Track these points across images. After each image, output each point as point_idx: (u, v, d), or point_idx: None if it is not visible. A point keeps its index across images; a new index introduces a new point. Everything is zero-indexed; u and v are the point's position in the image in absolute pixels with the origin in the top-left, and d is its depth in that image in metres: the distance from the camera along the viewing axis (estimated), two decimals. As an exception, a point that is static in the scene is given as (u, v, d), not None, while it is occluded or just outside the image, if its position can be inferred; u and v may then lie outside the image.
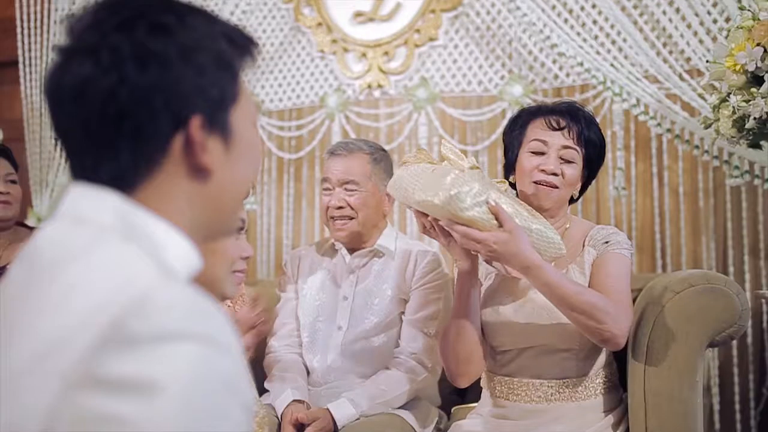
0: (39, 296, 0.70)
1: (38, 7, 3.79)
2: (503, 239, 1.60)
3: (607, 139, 2.14)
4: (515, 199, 1.76)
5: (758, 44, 1.95)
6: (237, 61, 0.84)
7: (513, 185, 1.90)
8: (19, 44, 3.79)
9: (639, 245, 3.05)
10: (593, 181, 1.99)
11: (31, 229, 2.24)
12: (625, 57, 2.92)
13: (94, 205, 0.77)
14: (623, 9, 2.92)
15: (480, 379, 1.97)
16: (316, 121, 3.46)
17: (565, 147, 1.83)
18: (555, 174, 1.82)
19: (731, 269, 2.89)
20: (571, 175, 1.84)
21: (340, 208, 2.15)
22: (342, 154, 2.19)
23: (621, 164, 2.99)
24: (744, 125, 2.03)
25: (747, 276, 2.88)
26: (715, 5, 2.77)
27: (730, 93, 2.05)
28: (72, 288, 0.69)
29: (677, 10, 2.84)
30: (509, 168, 1.92)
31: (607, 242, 1.82)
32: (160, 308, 0.66)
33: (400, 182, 1.77)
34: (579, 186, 1.90)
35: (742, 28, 2.01)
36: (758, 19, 1.99)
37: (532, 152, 1.85)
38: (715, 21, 2.75)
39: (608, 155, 2.43)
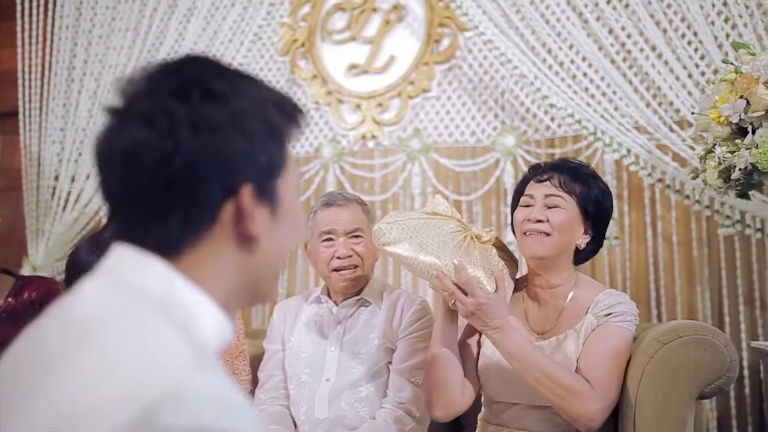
0: (72, 359, 0.68)
1: (39, 60, 3.88)
2: (487, 300, 1.75)
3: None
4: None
5: (741, 96, 1.98)
6: (284, 129, 0.83)
7: None
8: (20, 95, 3.88)
9: (633, 295, 3.02)
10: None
11: (15, 276, 2.20)
12: (616, 108, 2.96)
13: (135, 269, 0.76)
14: (613, 62, 2.97)
15: (476, 428, 1.96)
16: (311, 171, 3.49)
17: (548, 195, 1.85)
18: (540, 221, 1.82)
19: (727, 319, 2.88)
20: (558, 220, 1.82)
21: (349, 257, 2.14)
22: (342, 204, 2.19)
23: (614, 214, 2.99)
24: (730, 176, 2.05)
25: (743, 326, 2.85)
26: (702, 57, 2.81)
27: (716, 144, 2.07)
28: (105, 364, 0.67)
29: (666, 63, 2.88)
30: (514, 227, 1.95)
31: (609, 314, 1.79)
32: (192, 403, 0.65)
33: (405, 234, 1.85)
34: (582, 237, 1.85)
35: (725, 80, 2.04)
36: (741, 72, 2.02)
37: (522, 206, 1.89)
38: (702, 73, 2.79)
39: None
